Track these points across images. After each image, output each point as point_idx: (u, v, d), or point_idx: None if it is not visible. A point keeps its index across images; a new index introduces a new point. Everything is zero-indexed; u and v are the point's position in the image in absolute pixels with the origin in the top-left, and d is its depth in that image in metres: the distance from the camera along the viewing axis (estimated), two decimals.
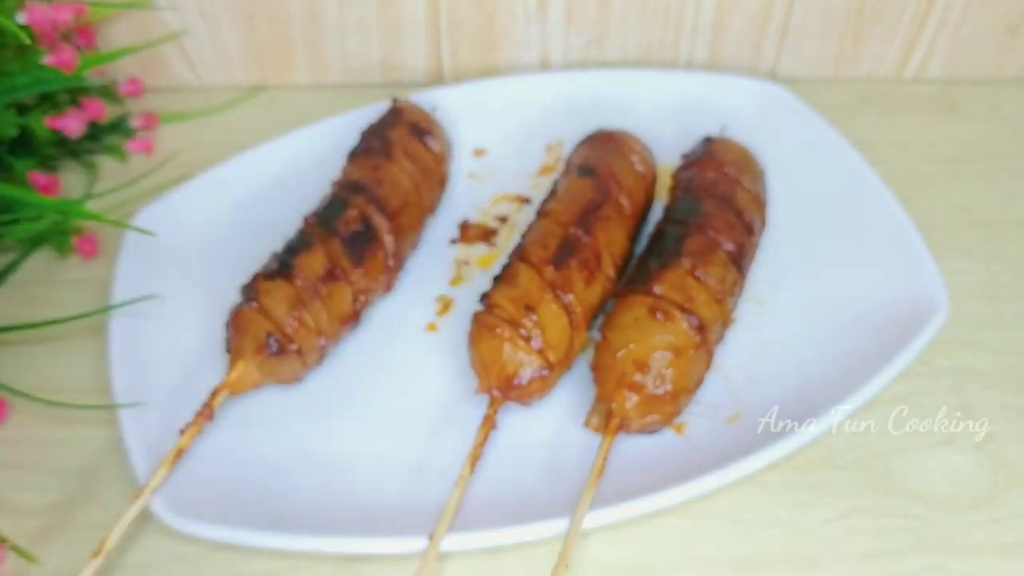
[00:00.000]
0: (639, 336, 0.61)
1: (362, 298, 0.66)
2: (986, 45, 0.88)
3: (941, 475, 0.62)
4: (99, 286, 0.71)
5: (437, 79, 0.91)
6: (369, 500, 0.60)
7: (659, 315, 0.61)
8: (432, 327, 0.70)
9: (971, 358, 0.68)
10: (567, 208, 0.68)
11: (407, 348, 0.69)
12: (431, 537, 0.55)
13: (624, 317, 0.62)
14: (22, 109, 0.74)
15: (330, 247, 0.65)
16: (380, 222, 0.68)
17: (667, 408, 0.60)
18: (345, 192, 0.69)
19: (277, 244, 0.68)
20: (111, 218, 0.68)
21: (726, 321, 0.65)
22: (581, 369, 0.66)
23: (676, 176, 0.73)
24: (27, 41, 0.65)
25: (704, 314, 0.62)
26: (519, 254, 0.65)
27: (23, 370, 0.67)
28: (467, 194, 0.79)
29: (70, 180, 0.81)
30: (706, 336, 0.62)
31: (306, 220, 0.68)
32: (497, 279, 0.64)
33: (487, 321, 0.62)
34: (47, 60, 0.71)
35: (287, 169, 0.78)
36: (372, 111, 0.79)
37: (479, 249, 0.76)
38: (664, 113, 0.82)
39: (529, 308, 0.62)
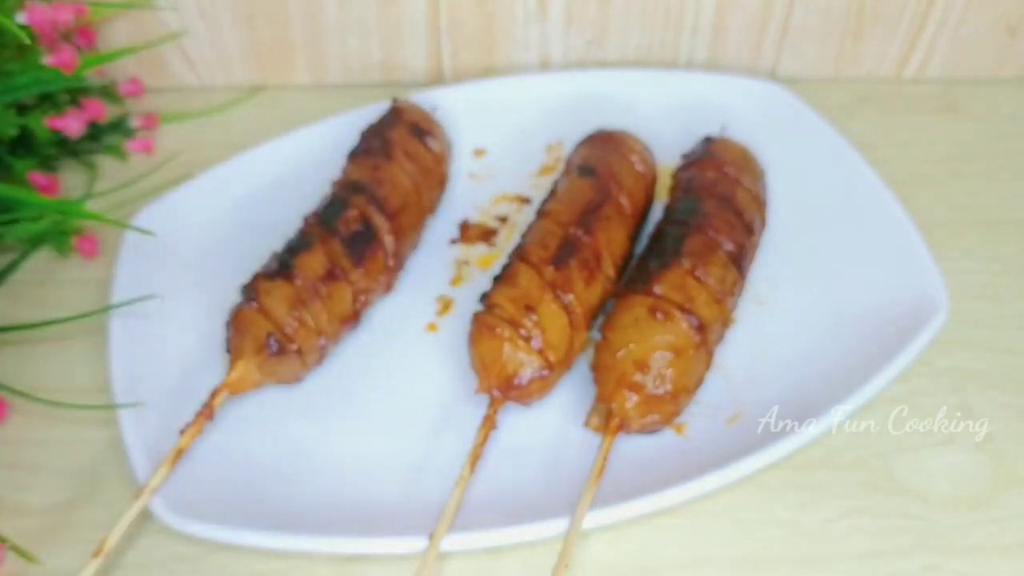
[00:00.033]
0: (639, 336, 0.61)
1: (362, 298, 0.66)
2: (986, 45, 0.88)
3: (941, 475, 0.62)
4: (99, 286, 0.71)
5: (437, 79, 0.91)
6: (369, 500, 0.60)
7: (659, 315, 0.61)
8: (432, 327, 0.70)
9: (971, 358, 0.68)
10: (567, 208, 0.68)
11: (407, 348, 0.69)
12: (431, 537, 0.55)
13: (624, 317, 0.62)
14: (22, 109, 0.74)
15: (330, 247, 0.65)
16: (380, 222, 0.68)
17: (667, 408, 0.60)
18: (345, 192, 0.69)
19: (277, 244, 0.68)
20: (111, 218, 0.68)
21: (726, 321, 0.65)
22: (581, 369, 0.66)
23: (676, 176, 0.73)
24: (27, 41, 0.65)
25: (704, 314, 0.62)
26: (519, 254, 0.65)
27: (23, 370, 0.67)
28: (467, 194, 0.79)
29: (70, 180, 0.81)
30: (706, 336, 0.62)
31: (306, 220, 0.68)
32: (497, 279, 0.64)
33: (487, 321, 0.62)
34: (47, 60, 0.71)
35: (287, 169, 0.78)
36: (372, 111, 0.79)
37: (479, 249, 0.76)
38: (664, 113, 0.82)
39: (529, 308, 0.62)
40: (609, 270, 0.66)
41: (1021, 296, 0.72)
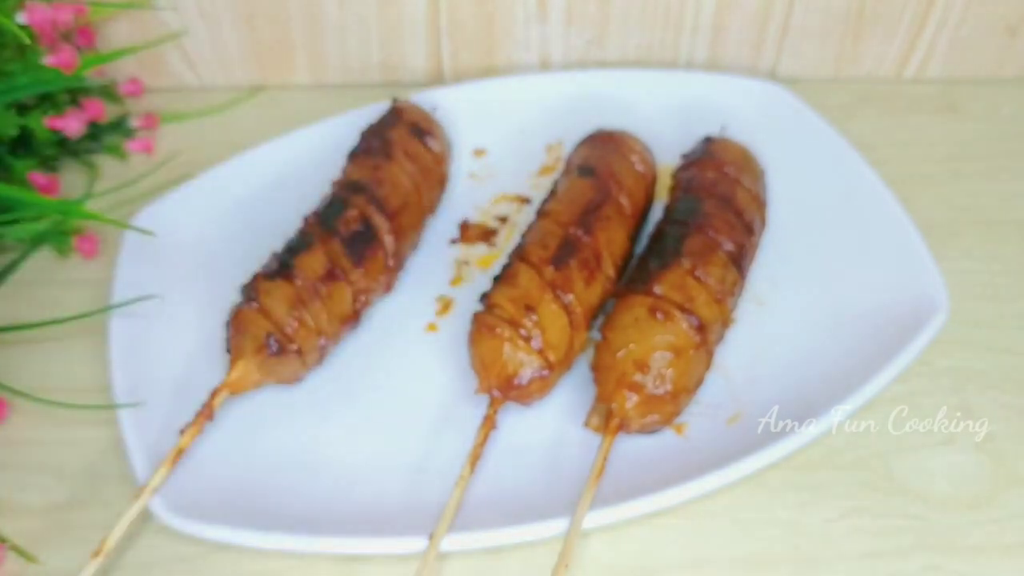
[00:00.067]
0: (639, 336, 0.61)
1: (362, 298, 0.66)
2: (986, 45, 0.88)
3: (941, 475, 0.62)
4: (99, 286, 0.71)
5: (437, 79, 0.91)
6: (369, 500, 0.60)
7: (659, 315, 0.61)
8: (432, 327, 0.70)
9: (971, 358, 0.68)
10: (567, 208, 0.68)
11: (407, 348, 0.69)
12: (431, 537, 0.55)
13: (624, 317, 0.62)
14: (22, 109, 0.74)
15: (330, 247, 0.65)
16: (380, 222, 0.68)
17: (667, 408, 0.60)
18: (345, 192, 0.69)
19: (277, 244, 0.68)
20: (111, 218, 0.68)
21: (726, 321, 0.65)
22: (581, 369, 0.66)
23: (676, 176, 0.73)
24: (27, 41, 0.65)
25: (704, 314, 0.62)
26: (519, 254, 0.65)
27: (23, 370, 0.67)
28: (467, 194, 0.79)
29: (70, 180, 0.81)
30: (706, 336, 0.62)
31: (306, 220, 0.68)
32: (497, 279, 0.64)
33: (487, 321, 0.62)
34: (47, 60, 0.71)
35: (287, 169, 0.78)
36: (372, 111, 0.79)
37: (479, 249, 0.76)
38: (664, 113, 0.82)
39: (529, 308, 0.62)
40: (609, 270, 0.66)
41: (1021, 296, 0.72)
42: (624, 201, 0.69)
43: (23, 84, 0.70)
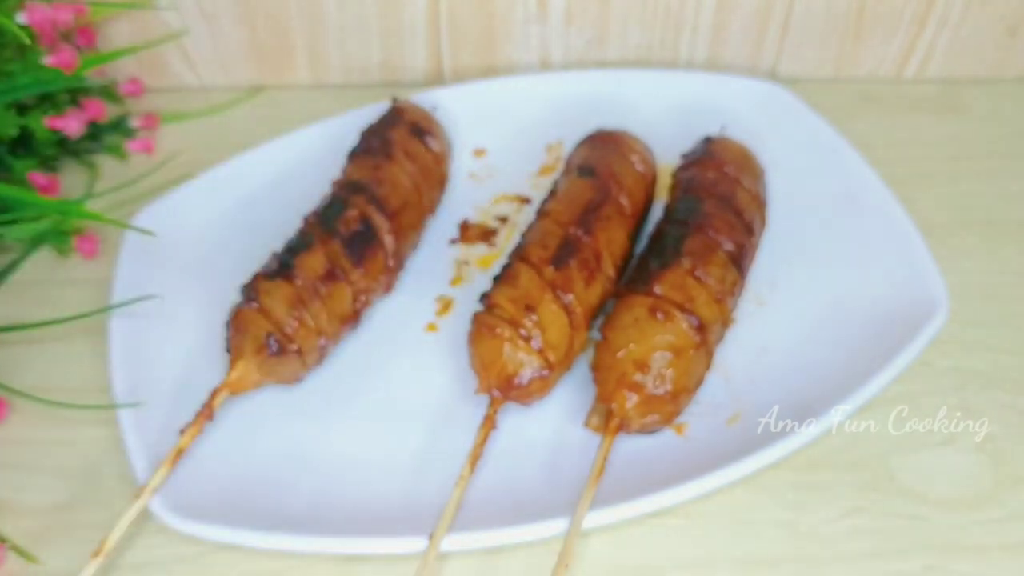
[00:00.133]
0: (639, 336, 0.61)
1: (362, 298, 0.66)
2: (986, 45, 0.88)
3: (941, 475, 0.62)
4: (99, 286, 0.71)
5: (437, 79, 0.91)
6: (369, 500, 0.60)
7: (659, 315, 0.61)
8: (432, 327, 0.70)
9: (971, 358, 0.68)
10: (567, 208, 0.68)
11: (407, 348, 0.69)
12: (431, 537, 0.55)
13: (624, 317, 0.62)
14: (22, 109, 0.74)
15: (330, 247, 0.65)
16: (380, 222, 0.68)
17: (667, 408, 0.60)
18: (345, 192, 0.69)
19: (277, 244, 0.68)
20: (111, 218, 0.68)
21: (726, 321, 0.65)
22: (581, 369, 0.66)
23: (676, 176, 0.73)
24: (27, 41, 0.65)
25: (704, 314, 0.62)
26: (519, 254, 0.65)
27: (23, 370, 0.67)
28: (467, 194, 0.79)
29: (70, 180, 0.81)
30: (706, 336, 0.62)
31: (306, 220, 0.68)
32: (497, 279, 0.64)
33: (487, 321, 0.62)
34: (47, 60, 0.71)
35: (287, 169, 0.78)
36: (372, 111, 0.79)
37: (479, 249, 0.75)
38: (664, 113, 0.82)
39: (529, 308, 0.62)
40: (609, 270, 0.66)
41: (1021, 296, 0.72)
42: (624, 201, 0.69)
43: (23, 84, 0.70)
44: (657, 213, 0.73)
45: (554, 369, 0.62)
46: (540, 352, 0.61)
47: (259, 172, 0.78)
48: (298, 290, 0.63)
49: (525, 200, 0.79)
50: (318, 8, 0.85)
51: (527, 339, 0.61)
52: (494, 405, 0.61)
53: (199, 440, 0.61)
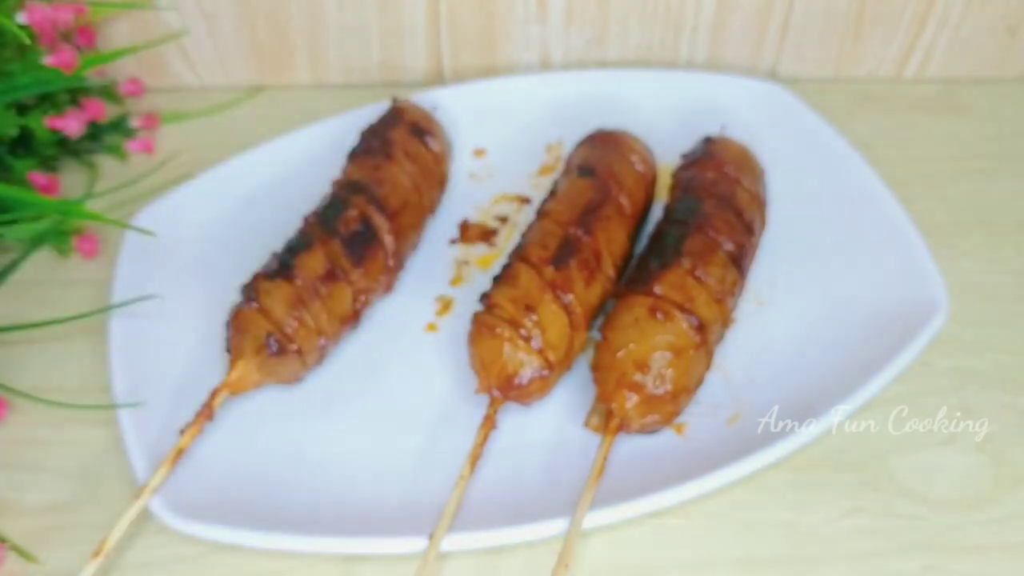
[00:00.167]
0: (639, 336, 0.61)
1: (362, 298, 0.66)
2: (986, 45, 0.88)
3: (941, 475, 0.62)
4: (99, 286, 0.71)
5: (437, 79, 0.91)
6: (369, 500, 0.60)
7: (659, 315, 0.61)
8: (432, 327, 0.70)
9: (971, 358, 0.68)
10: (567, 208, 0.68)
11: (407, 348, 0.69)
12: (431, 537, 0.55)
13: (624, 317, 0.62)
14: (22, 109, 0.74)
15: (330, 247, 0.65)
16: (380, 222, 0.68)
17: (667, 408, 0.60)
18: (345, 192, 0.69)
19: (277, 244, 0.68)
20: (111, 218, 0.68)
21: (726, 321, 0.65)
22: (581, 369, 0.66)
23: (676, 176, 0.73)
24: (27, 41, 0.65)
25: (704, 314, 0.62)
26: (519, 254, 0.65)
27: (23, 370, 0.67)
28: (467, 194, 0.79)
29: (70, 180, 0.81)
30: (706, 336, 0.62)
31: (306, 220, 0.68)
32: (497, 279, 0.64)
33: (487, 321, 0.62)
34: (47, 60, 0.71)
35: (287, 169, 0.78)
36: (372, 111, 0.79)
37: (479, 249, 0.75)
38: (664, 113, 0.82)
39: (529, 308, 0.62)
40: (609, 270, 0.66)
41: (1021, 296, 0.72)
42: (624, 201, 0.69)
43: (23, 84, 0.70)
44: (657, 213, 0.73)
45: (554, 369, 0.62)
46: (540, 352, 0.61)
47: (259, 172, 0.78)
48: (298, 290, 0.63)
49: (525, 200, 0.79)
50: (318, 8, 0.85)
51: (527, 339, 0.61)
52: (494, 405, 0.61)
53: (199, 440, 0.61)
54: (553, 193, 0.71)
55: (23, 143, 0.76)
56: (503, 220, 0.78)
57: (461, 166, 0.81)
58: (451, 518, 0.55)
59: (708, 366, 0.63)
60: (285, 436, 0.63)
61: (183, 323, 0.68)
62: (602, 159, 0.71)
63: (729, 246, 0.66)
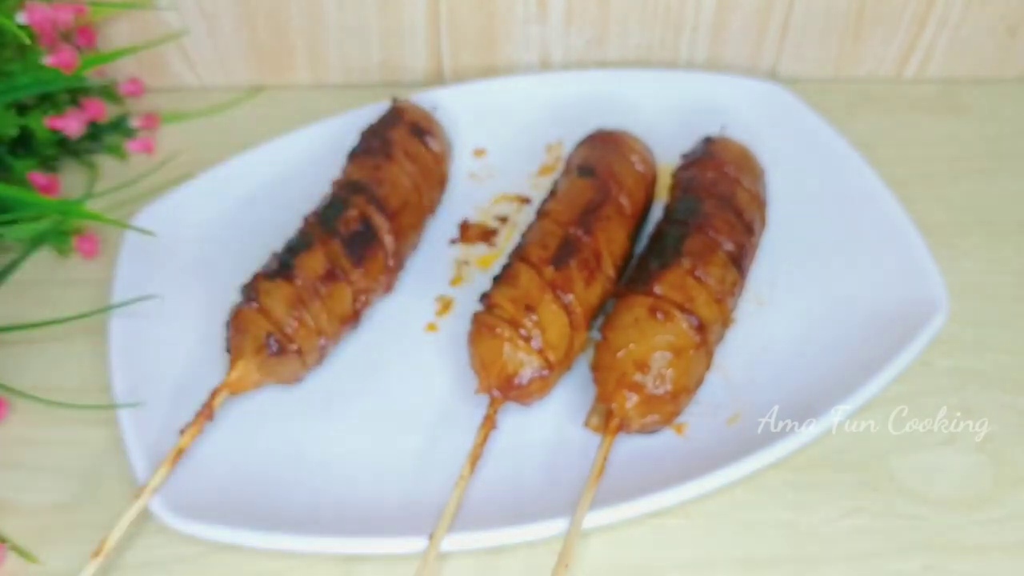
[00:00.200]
0: (639, 336, 0.61)
1: (362, 298, 0.66)
2: (986, 45, 0.88)
3: (941, 475, 0.62)
4: (99, 286, 0.71)
5: (437, 79, 0.91)
6: (369, 500, 0.60)
7: (659, 315, 0.61)
8: (432, 327, 0.70)
9: (971, 358, 0.68)
10: (567, 208, 0.68)
11: (407, 348, 0.69)
12: (431, 537, 0.55)
13: (624, 317, 0.62)
14: (22, 109, 0.74)
15: (330, 247, 0.65)
16: (380, 222, 0.68)
17: (667, 408, 0.60)
18: (345, 192, 0.69)
19: (277, 244, 0.68)
20: (111, 218, 0.68)
21: (726, 321, 0.65)
22: (581, 369, 0.66)
23: (676, 176, 0.73)
24: (27, 41, 0.65)
25: (704, 314, 0.62)
26: (519, 254, 0.65)
27: (23, 370, 0.67)
28: (467, 194, 0.79)
29: (70, 180, 0.81)
30: (706, 336, 0.62)
31: (306, 220, 0.68)
32: (497, 279, 0.64)
33: (487, 321, 0.62)
34: (47, 60, 0.71)
35: (287, 169, 0.78)
36: (372, 111, 0.79)
37: (479, 249, 0.75)
38: (664, 113, 0.82)
39: (529, 308, 0.62)
40: (609, 270, 0.66)
41: (1021, 296, 0.72)
42: (624, 201, 0.69)
43: (23, 84, 0.70)
44: (657, 213, 0.73)
45: (554, 369, 0.62)
46: (540, 352, 0.61)
47: (259, 172, 0.78)
48: (298, 290, 0.63)
49: (525, 200, 0.79)
50: (318, 8, 0.85)
51: (527, 339, 0.61)
52: (494, 405, 0.61)
53: (199, 440, 0.61)
54: (553, 193, 0.71)
55: (23, 143, 0.76)
56: (503, 220, 0.78)
57: (461, 166, 0.81)
58: (451, 518, 0.55)
59: (708, 366, 0.63)
60: (285, 436, 0.63)
61: (183, 323, 0.68)
62: (602, 159, 0.71)
63: (729, 246, 0.66)
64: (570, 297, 0.63)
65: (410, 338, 0.69)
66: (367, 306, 0.68)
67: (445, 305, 0.71)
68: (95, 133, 0.82)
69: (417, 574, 0.53)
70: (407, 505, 0.59)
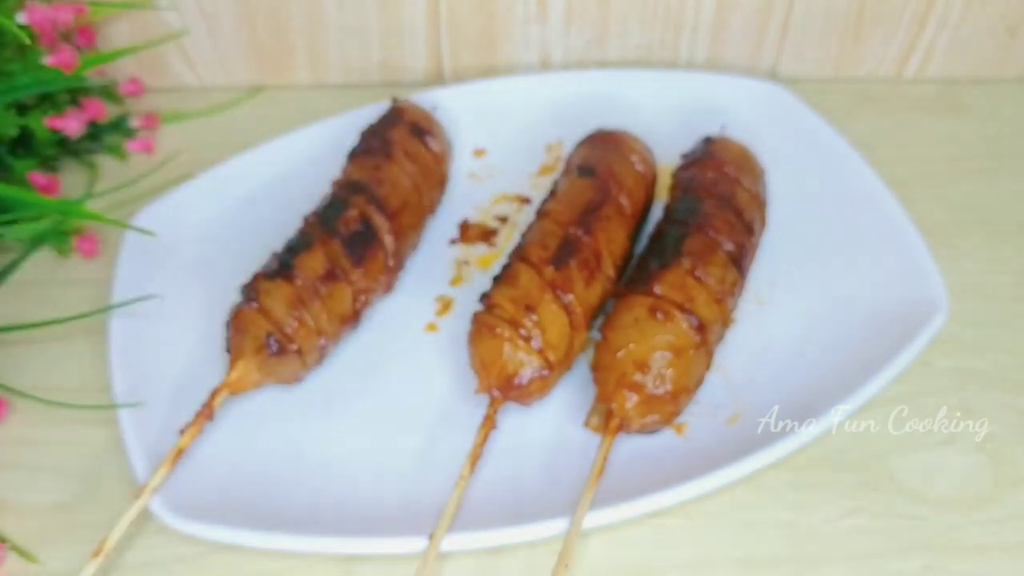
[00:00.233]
0: (639, 336, 0.61)
1: (362, 298, 0.66)
2: (986, 45, 0.88)
3: (941, 475, 0.62)
4: (99, 286, 0.71)
5: (437, 79, 0.91)
6: (369, 500, 0.60)
7: (659, 315, 0.61)
8: (432, 327, 0.70)
9: (971, 358, 0.68)
10: (567, 208, 0.68)
11: (407, 348, 0.69)
12: (431, 537, 0.55)
13: (624, 317, 0.62)
14: (22, 109, 0.74)
15: (330, 247, 0.65)
16: (380, 222, 0.68)
17: (667, 408, 0.60)
18: (345, 192, 0.69)
19: (277, 244, 0.68)
20: (111, 218, 0.68)
21: (726, 321, 0.65)
22: (581, 369, 0.66)
23: (676, 176, 0.73)
24: (27, 41, 0.65)
25: (704, 314, 0.62)
26: (519, 254, 0.65)
27: (23, 370, 0.67)
28: (467, 194, 0.79)
29: (70, 180, 0.81)
30: (706, 336, 0.62)
31: (306, 220, 0.68)
32: (497, 279, 0.64)
33: (487, 321, 0.62)
34: (47, 60, 0.71)
35: (287, 169, 0.78)
36: (372, 111, 0.79)
37: (479, 249, 0.75)
38: (664, 113, 0.82)
39: (529, 308, 0.62)
40: (609, 270, 0.66)
41: (1021, 296, 0.72)
42: (624, 201, 0.69)
43: (23, 84, 0.70)
44: (657, 213, 0.73)
45: (554, 369, 0.62)
46: (540, 352, 0.61)
47: (259, 172, 0.78)
48: (298, 290, 0.63)
49: (525, 200, 0.79)
50: (318, 8, 0.85)
51: (527, 339, 0.61)
52: (494, 405, 0.61)
53: (199, 440, 0.61)
54: (553, 193, 0.71)
55: (23, 143, 0.76)
56: (503, 220, 0.78)
57: (461, 166, 0.81)
58: (451, 518, 0.55)
59: (708, 366, 0.63)
60: (285, 436, 0.63)
61: (183, 323, 0.68)
62: (602, 159, 0.71)
63: (729, 246, 0.66)
64: (570, 297, 0.63)
65: (410, 338, 0.69)
66: (367, 306, 0.68)
67: (445, 305, 0.71)
68: (95, 133, 0.82)
69: (417, 574, 0.53)
70: (407, 505, 0.59)
